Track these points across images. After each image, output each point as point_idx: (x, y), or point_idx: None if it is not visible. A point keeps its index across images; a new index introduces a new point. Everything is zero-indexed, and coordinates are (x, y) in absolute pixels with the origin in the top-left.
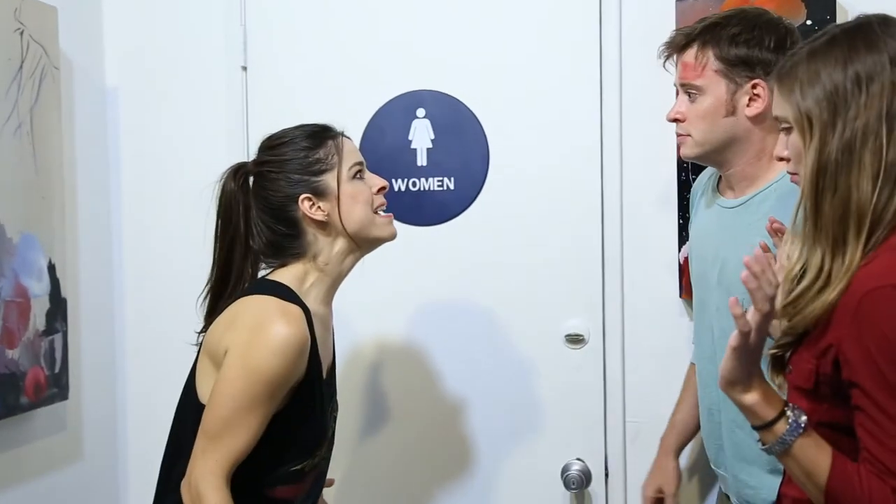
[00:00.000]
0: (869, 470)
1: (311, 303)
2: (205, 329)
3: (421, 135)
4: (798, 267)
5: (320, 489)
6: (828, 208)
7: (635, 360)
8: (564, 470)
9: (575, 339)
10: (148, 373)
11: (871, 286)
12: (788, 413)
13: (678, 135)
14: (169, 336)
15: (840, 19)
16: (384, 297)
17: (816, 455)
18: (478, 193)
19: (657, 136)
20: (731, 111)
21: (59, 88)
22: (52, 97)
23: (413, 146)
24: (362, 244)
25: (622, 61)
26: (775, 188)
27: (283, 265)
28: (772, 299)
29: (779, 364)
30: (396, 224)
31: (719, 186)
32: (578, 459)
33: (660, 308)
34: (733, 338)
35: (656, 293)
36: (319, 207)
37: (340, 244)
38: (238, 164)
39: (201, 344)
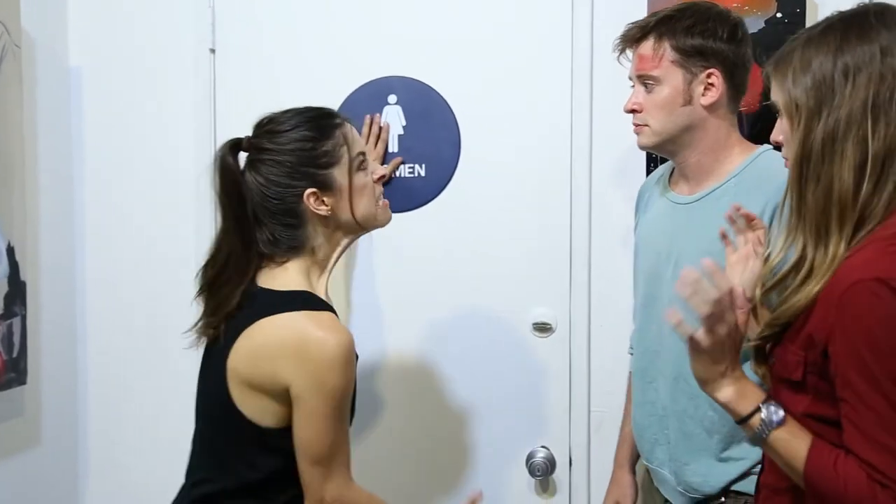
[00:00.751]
0: (846, 456)
1: (322, 296)
2: (209, 326)
3: (392, 121)
4: (780, 257)
5: None
6: (810, 198)
7: (601, 350)
8: (529, 457)
9: (542, 328)
10: (108, 358)
11: (855, 278)
12: (762, 409)
13: (636, 125)
14: (130, 321)
15: (810, 13)
16: (353, 283)
17: (793, 445)
18: (449, 181)
19: (627, 126)
20: (688, 100)
21: (21, 68)
22: (13, 76)
23: None
24: (362, 232)
25: (593, 50)
26: (735, 182)
27: (281, 263)
28: (714, 302)
29: (761, 355)
30: None
31: (671, 182)
32: (543, 447)
33: (626, 298)
34: (689, 341)
35: (623, 283)
36: (324, 202)
37: (338, 236)
38: (235, 140)
39: (215, 353)
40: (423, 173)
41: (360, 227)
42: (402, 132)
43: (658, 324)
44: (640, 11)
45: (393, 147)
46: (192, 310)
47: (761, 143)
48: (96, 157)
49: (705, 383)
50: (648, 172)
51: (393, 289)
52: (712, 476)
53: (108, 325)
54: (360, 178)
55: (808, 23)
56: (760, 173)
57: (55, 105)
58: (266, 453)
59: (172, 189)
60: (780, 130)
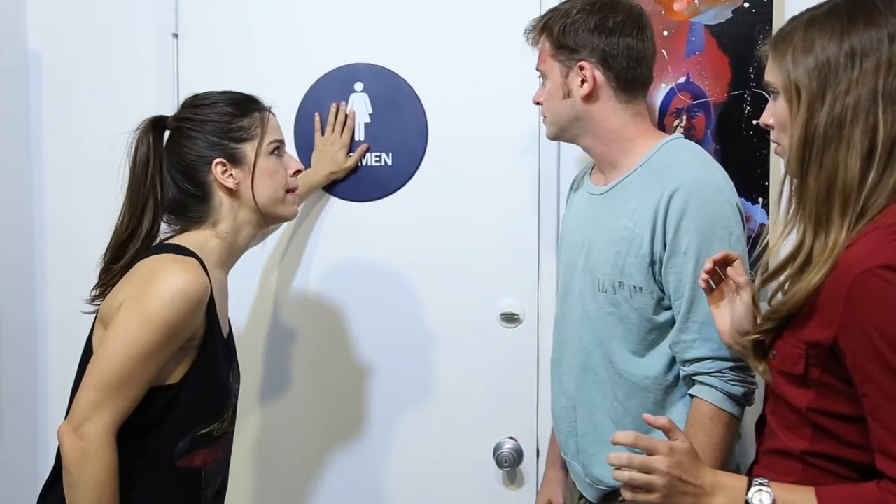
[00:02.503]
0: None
1: (210, 266)
2: (100, 294)
3: (359, 109)
4: (779, 244)
5: (228, 463)
6: (813, 184)
7: None
8: (497, 448)
9: (510, 318)
10: (69, 349)
11: (862, 268)
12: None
13: (543, 118)
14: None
15: (777, 3)
16: (320, 273)
17: None
18: (416, 169)
19: None
20: (567, 93)
21: None
22: None
23: None
24: (266, 219)
25: None
26: (640, 171)
27: (183, 230)
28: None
29: (760, 350)
30: (334, 199)
31: (592, 173)
32: (511, 438)
33: None
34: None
35: None
36: (231, 175)
37: (244, 214)
38: (157, 116)
39: (97, 313)
40: (390, 162)
41: (259, 212)
42: (368, 120)
43: (570, 314)
44: None
45: (359, 135)
46: None
47: (731, 134)
48: (55, 144)
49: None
50: None
51: (358, 278)
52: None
53: (68, 315)
54: (269, 161)
55: (776, 12)
56: (664, 162)
57: (13, 90)
58: None
59: None
60: (772, 113)
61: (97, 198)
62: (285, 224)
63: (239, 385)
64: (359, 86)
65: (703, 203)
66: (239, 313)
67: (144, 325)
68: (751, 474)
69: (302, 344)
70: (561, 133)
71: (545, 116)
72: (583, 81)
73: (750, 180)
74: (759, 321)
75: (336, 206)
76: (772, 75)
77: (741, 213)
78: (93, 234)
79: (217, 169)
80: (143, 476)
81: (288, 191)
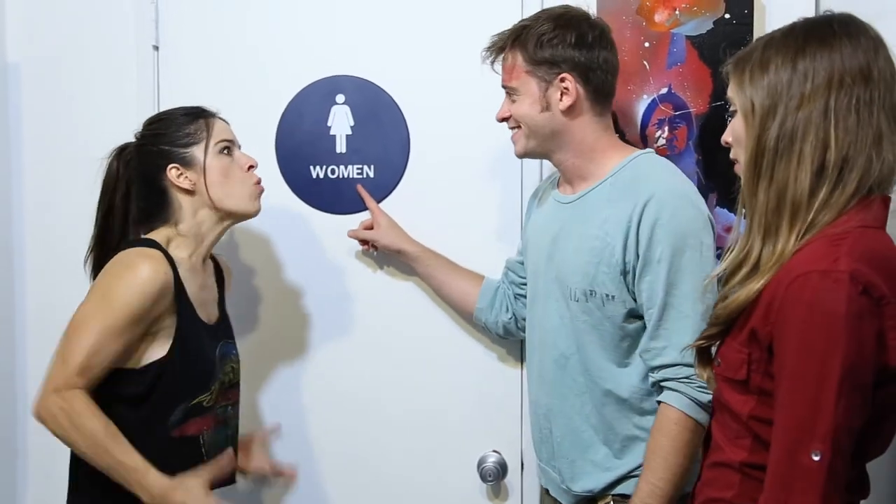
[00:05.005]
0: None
1: (178, 258)
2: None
3: (340, 121)
4: (734, 255)
5: (230, 436)
6: (762, 196)
7: None
8: (480, 462)
9: None
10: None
11: (799, 272)
12: None
13: (513, 133)
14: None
15: (758, 14)
16: (300, 286)
17: None
18: (398, 182)
19: None
20: (546, 107)
21: None
22: None
23: (332, 132)
24: (226, 216)
25: None
26: (610, 182)
27: (150, 230)
28: None
29: (705, 356)
30: (315, 212)
31: (559, 183)
32: (495, 451)
33: None
34: None
35: None
36: (186, 177)
37: (203, 213)
38: (124, 143)
39: None
40: (371, 174)
41: (217, 209)
42: (350, 132)
43: (538, 320)
44: (590, 7)
45: (341, 148)
46: None
47: (713, 145)
48: (35, 156)
49: None
50: None
51: (339, 291)
52: (596, 476)
53: (47, 325)
54: (218, 160)
55: (756, 24)
56: (636, 174)
57: None
58: None
59: None
60: (731, 131)
61: (77, 209)
62: (266, 236)
63: (235, 365)
64: (340, 98)
65: (676, 213)
66: None
67: (106, 310)
68: (693, 492)
69: (280, 357)
70: (536, 147)
71: (518, 131)
72: (562, 94)
73: (731, 191)
74: (705, 329)
75: (317, 218)
76: (732, 94)
77: (712, 225)
78: (72, 246)
79: (171, 173)
80: (143, 448)
81: (257, 182)
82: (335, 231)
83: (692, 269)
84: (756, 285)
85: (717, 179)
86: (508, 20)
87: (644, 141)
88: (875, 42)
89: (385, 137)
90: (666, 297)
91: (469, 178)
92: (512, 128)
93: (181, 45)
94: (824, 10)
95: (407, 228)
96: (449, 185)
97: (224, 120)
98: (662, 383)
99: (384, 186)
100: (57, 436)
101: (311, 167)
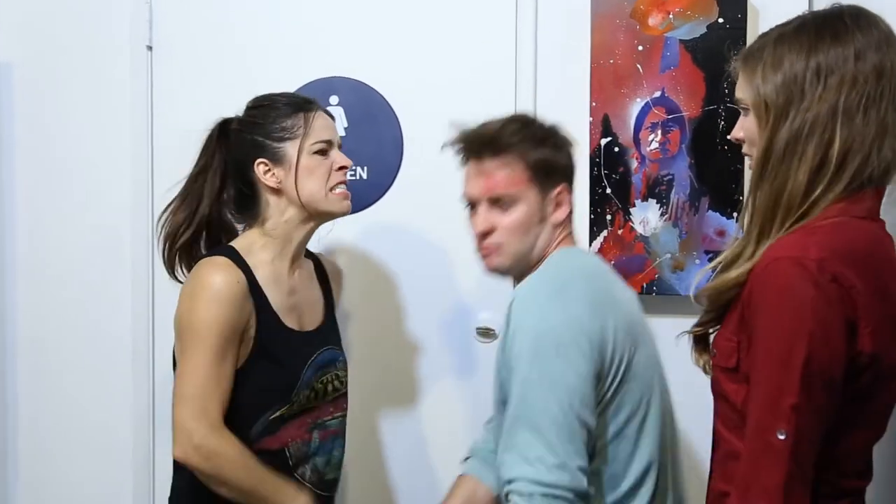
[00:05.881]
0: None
1: (260, 262)
2: (171, 272)
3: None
4: (730, 250)
5: (334, 449)
6: (762, 195)
7: None
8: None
9: (486, 333)
10: (41, 363)
11: (772, 257)
12: None
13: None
14: (61, 322)
15: (751, 18)
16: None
17: None
18: (391, 183)
19: (570, 129)
20: (542, 219)
21: None
22: None
23: None
24: (314, 216)
25: (537, 53)
26: None
27: (245, 229)
28: None
29: (702, 343)
30: None
31: None
32: None
33: None
34: None
35: None
36: (273, 174)
37: (291, 213)
38: (228, 118)
39: None
40: (364, 176)
41: (305, 209)
42: (343, 134)
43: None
44: (583, 17)
45: None
46: (124, 308)
47: (706, 149)
48: (27, 156)
49: None
50: (592, 178)
51: None
52: None
53: (38, 327)
54: (311, 159)
55: (750, 28)
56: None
57: None
58: None
59: (107, 190)
60: (742, 127)
61: (69, 209)
62: None
63: (341, 373)
64: (334, 99)
65: (528, 316)
66: None
67: (200, 334)
68: (708, 487)
69: None
70: (520, 263)
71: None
72: (558, 205)
73: (724, 195)
74: (700, 316)
75: None
76: (742, 91)
77: (589, 321)
78: (65, 244)
79: (259, 168)
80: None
81: (333, 187)
82: (327, 232)
83: (549, 376)
84: (735, 272)
85: (709, 183)
86: (502, 23)
87: (637, 144)
88: (887, 35)
89: (379, 139)
90: (518, 409)
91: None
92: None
93: (175, 46)
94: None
95: (400, 230)
96: (442, 186)
97: (329, 114)
98: (508, 495)
99: (378, 187)
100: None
101: None
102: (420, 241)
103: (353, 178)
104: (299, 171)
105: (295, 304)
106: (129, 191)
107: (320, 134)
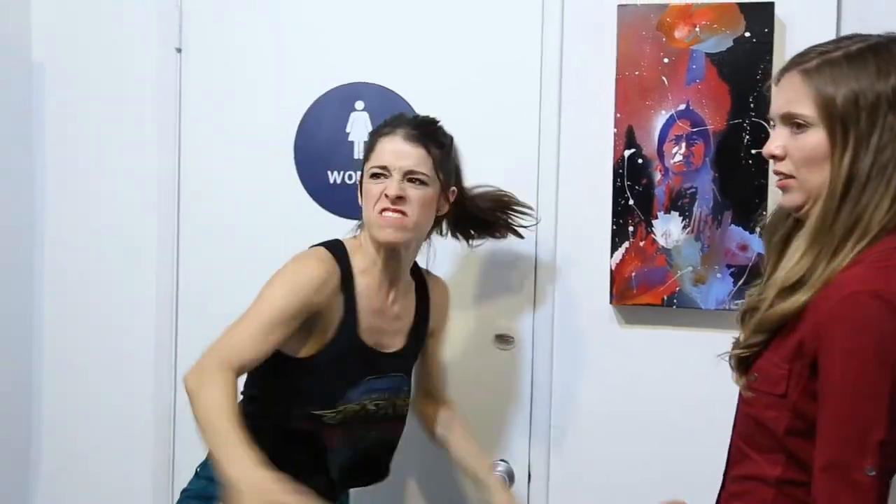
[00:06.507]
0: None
1: (359, 266)
2: None
3: (359, 128)
4: (787, 273)
5: (380, 458)
6: (843, 217)
7: (563, 365)
8: None
9: (505, 340)
10: (65, 359)
11: (852, 289)
12: None
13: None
14: (87, 323)
15: (778, 32)
16: None
17: None
18: None
19: (594, 139)
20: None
21: None
22: None
23: (350, 139)
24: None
25: (562, 62)
26: None
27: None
28: None
29: (743, 366)
30: (331, 217)
31: None
32: (502, 461)
33: (590, 313)
34: None
35: (587, 298)
36: (360, 191)
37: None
38: None
39: None
40: None
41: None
42: (367, 139)
43: None
44: (610, 24)
45: (359, 154)
46: (148, 310)
47: (730, 163)
48: (57, 155)
49: None
50: (616, 188)
51: None
52: None
53: (65, 327)
54: (368, 183)
55: (777, 42)
56: None
57: (16, 100)
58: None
59: (133, 190)
60: (786, 145)
61: (97, 209)
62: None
63: (399, 402)
64: (359, 104)
65: None
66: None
67: (262, 304)
68: (719, 498)
69: None
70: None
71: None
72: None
73: (748, 209)
74: (744, 336)
75: (334, 224)
76: (804, 107)
77: None
78: (91, 243)
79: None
80: (264, 434)
81: (380, 212)
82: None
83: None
84: (802, 297)
85: (732, 197)
86: (528, 32)
87: (661, 157)
88: None
89: None
90: None
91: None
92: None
93: (203, 48)
94: (846, 29)
95: None
96: None
97: (408, 139)
98: None
99: None
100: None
101: (329, 172)
102: (441, 248)
103: None
104: (362, 192)
105: (378, 326)
106: (154, 192)
107: (380, 159)
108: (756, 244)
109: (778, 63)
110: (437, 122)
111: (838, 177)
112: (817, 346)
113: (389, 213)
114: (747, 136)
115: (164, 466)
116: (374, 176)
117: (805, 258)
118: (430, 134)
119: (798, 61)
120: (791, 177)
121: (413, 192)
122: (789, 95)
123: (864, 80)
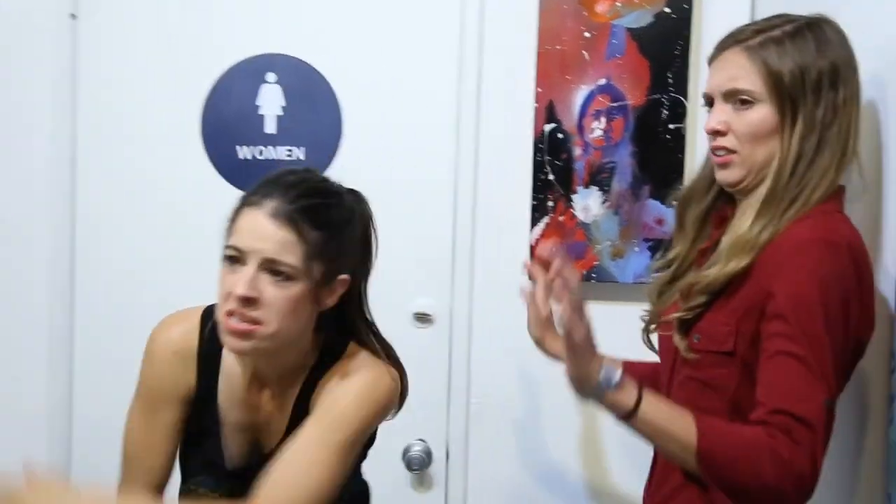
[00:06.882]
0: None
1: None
2: None
3: (270, 101)
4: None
5: None
6: (790, 190)
7: (481, 342)
8: (406, 451)
9: (422, 318)
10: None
11: (806, 237)
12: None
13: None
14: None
15: (696, 8)
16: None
17: (668, 411)
18: (328, 165)
19: (514, 116)
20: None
21: None
22: None
23: (261, 112)
24: None
25: (483, 34)
26: None
27: None
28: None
29: (685, 327)
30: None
31: None
32: (420, 440)
33: (508, 290)
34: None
35: (505, 275)
36: None
37: None
38: None
39: None
40: (302, 157)
41: None
42: (281, 113)
43: None
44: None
45: (270, 128)
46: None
47: (648, 138)
48: None
49: (585, 380)
50: (536, 163)
51: None
52: None
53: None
54: (223, 267)
55: (695, 18)
56: None
57: None
58: None
59: (24, 169)
60: (729, 121)
61: None
62: (189, 219)
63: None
64: (271, 77)
65: None
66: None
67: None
68: (654, 467)
69: None
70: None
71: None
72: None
73: (665, 184)
74: (688, 298)
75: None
76: (750, 83)
77: None
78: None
79: None
80: None
81: (228, 314)
82: None
83: None
84: (747, 258)
85: (650, 172)
86: (448, 5)
87: (581, 131)
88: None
89: (317, 119)
90: None
91: (402, 162)
92: None
93: (101, 15)
94: (760, 5)
95: None
96: (381, 168)
97: (274, 216)
98: None
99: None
100: None
101: (238, 148)
102: None
103: (290, 158)
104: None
105: (233, 417)
106: (48, 171)
107: (236, 238)
108: (673, 218)
109: (696, 39)
110: (331, 190)
111: (788, 152)
112: (765, 299)
113: (234, 321)
114: (666, 112)
115: (61, 465)
116: (228, 259)
117: (754, 227)
118: (309, 210)
119: (738, 38)
120: (733, 152)
121: (271, 290)
122: (732, 72)
123: (808, 56)
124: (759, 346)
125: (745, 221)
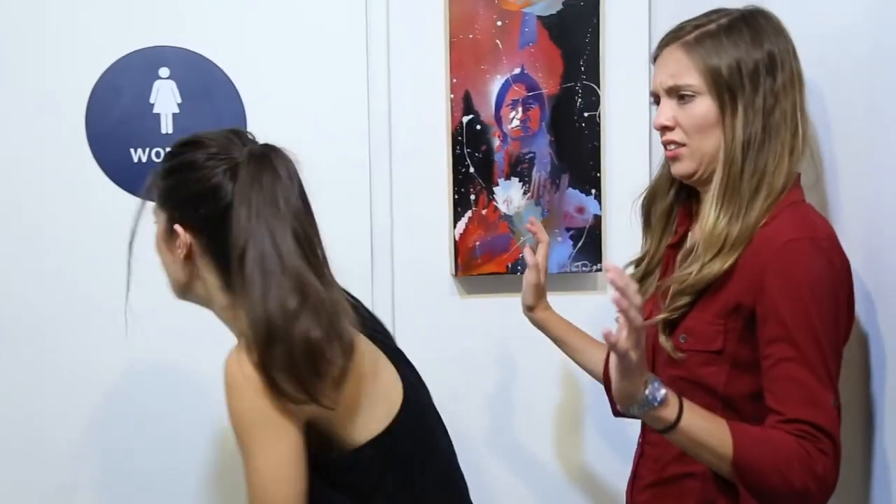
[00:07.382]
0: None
1: None
2: None
3: (165, 98)
4: (709, 237)
5: None
6: (747, 178)
7: (405, 338)
8: None
9: None
10: None
11: (788, 238)
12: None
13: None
14: None
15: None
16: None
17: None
18: None
19: (429, 106)
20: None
21: None
22: None
23: (156, 111)
24: None
25: (389, 23)
26: None
27: None
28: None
29: (669, 328)
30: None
31: None
32: None
33: (431, 286)
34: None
35: (427, 270)
36: None
37: None
38: None
39: None
40: None
41: None
42: (177, 111)
43: None
44: None
45: (167, 128)
46: None
47: (565, 126)
48: None
49: (631, 397)
50: (455, 155)
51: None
52: None
53: None
54: None
55: (602, 4)
56: None
57: None
58: None
59: None
60: (675, 115)
61: None
62: (78, 231)
63: None
64: (164, 71)
65: None
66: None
67: None
68: (637, 464)
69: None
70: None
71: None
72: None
73: (583, 172)
74: (671, 298)
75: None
76: (689, 78)
77: None
78: None
79: None
80: None
81: None
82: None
83: None
84: (730, 257)
85: (568, 161)
86: None
87: (499, 122)
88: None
89: (218, 117)
90: None
91: (313, 160)
92: None
93: None
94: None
95: None
96: None
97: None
98: None
99: None
100: None
101: (132, 150)
102: None
103: None
104: None
105: None
106: None
107: None
108: (592, 206)
109: (604, 27)
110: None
111: (734, 140)
112: (755, 299)
113: None
114: (580, 100)
115: None
116: None
117: (720, 221)
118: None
119: (676, 36)
120: (683, 145)
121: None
122: (672, 69)
123: (743, 48)
124: (758, 351)
125: (710, 215)
